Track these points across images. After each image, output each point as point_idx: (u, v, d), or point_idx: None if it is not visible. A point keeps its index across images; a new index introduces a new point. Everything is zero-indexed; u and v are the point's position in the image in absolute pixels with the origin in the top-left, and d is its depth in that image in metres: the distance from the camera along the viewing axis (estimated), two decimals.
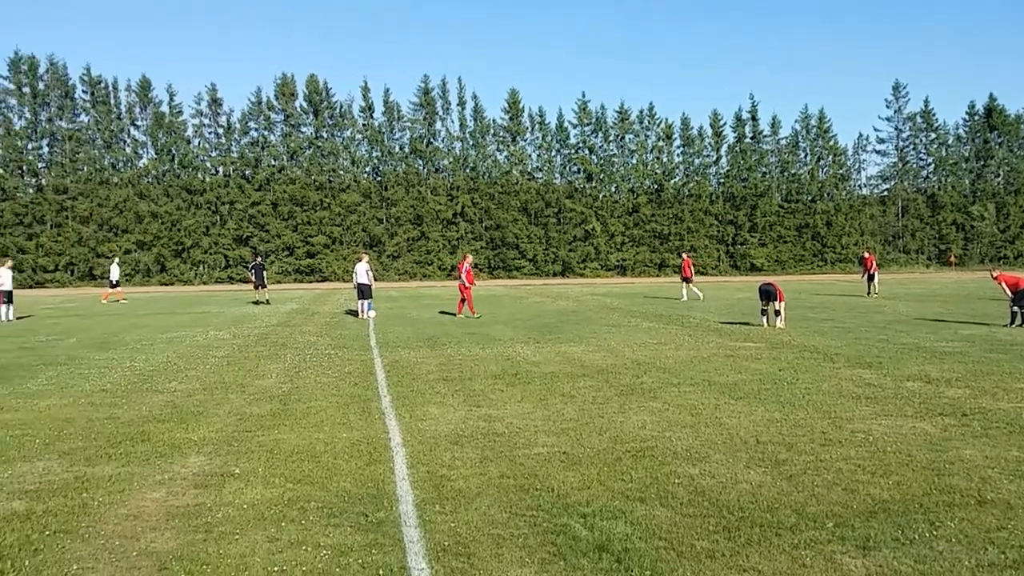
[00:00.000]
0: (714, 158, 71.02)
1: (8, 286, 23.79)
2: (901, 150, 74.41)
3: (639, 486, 5.79)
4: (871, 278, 31.28)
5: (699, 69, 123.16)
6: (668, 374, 11.16)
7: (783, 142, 71.65)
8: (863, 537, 4.74)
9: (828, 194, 71.21)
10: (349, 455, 6.81)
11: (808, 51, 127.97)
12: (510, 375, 11.24)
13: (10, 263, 25.13)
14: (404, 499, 5.55)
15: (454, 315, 22.33)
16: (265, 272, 33.01)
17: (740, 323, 18.88)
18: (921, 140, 74.15)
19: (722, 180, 70.59)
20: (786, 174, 71.08)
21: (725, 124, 70.91)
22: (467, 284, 22.12)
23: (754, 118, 70.93)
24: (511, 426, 7.87)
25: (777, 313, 17.94)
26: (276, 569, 4.37)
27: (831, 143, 71.87)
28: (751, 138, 70.96)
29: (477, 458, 6.66)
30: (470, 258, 23.74)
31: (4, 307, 23.33)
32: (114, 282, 35.75)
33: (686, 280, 29.72)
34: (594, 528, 4.92)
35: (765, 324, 17.91)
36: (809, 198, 70.68)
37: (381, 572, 4.33)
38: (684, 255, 31.77)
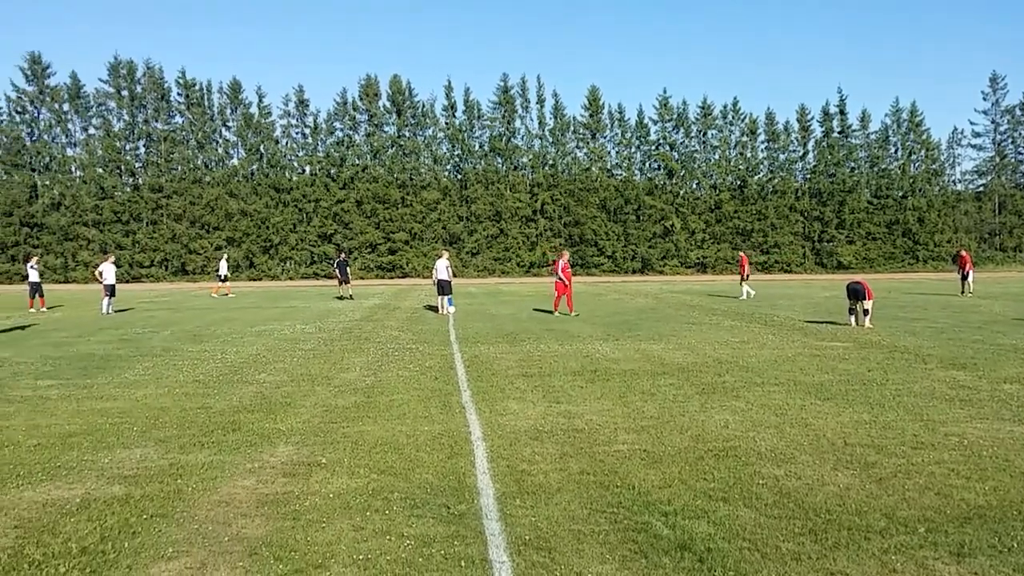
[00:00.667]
0: (800, 153, 69.22)
1: (111, 280, 24.96)
2: (999, 144, 71.11)
3: (722, 486, 5.71)
4: (965, 277, 30.36)
5: (785, 63, 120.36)
6: (751, 373, 10.95)
7: (873, 136, 69.35)
8: (957, 543, 4.57)
9: (920, 190, 68.56)
10: (431, 448, 6.91)
11: (900, 43, 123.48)
12: (589, 372, 11.21)
13: (112, 258, 26.36)
14: (485, 492, 5.61)
15: (551, 312, 22.00)
16: (349, 268, 33.75)
17: (826, 322, 18.38)
18: (1020, 133, 70.70)
19: (808, 176, 68.77)
20: (876, 169, 68.76)
21: (812, 118, 69.08)
22: (565, 281, 21.45)
23: (842, 112, 68.82)
24: (591, 423, 7.86)
25: (866, 312, 17.39)
26: (361, 557, 4.47)
27: (924, 137, 69.22)
28: (839, 132, 68.88)
29: (557, 454, 6.67)
30: (567, 255, 23.01)
31: (105, 300, 24.46)
32: (223, 277, 37.19)
33: (744, 278, 29.78)
34: (676, 527, 4.88)
35: (853, 323, 17.41)
36: (900, 194, 68.20)
37: (463, 564, 4.38)
38: (741, 253, 32.10)
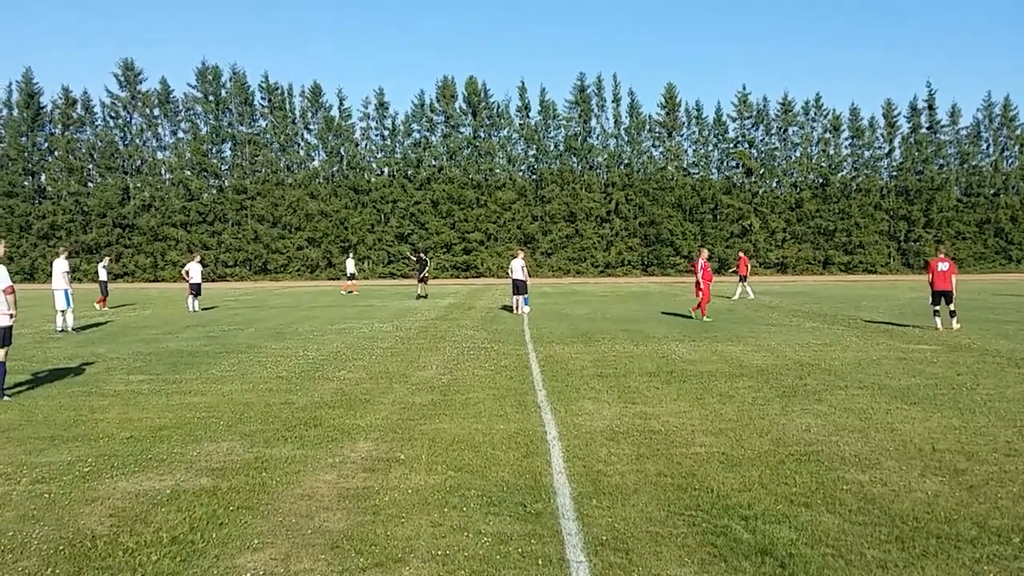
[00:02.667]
0: (886, 150, 67.10)
1: (197, 279, 25.84)
2: None
3: (804, 491, 5.58)
4: None
5: (871, 57, 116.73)
6: (834, 376, 10.67)
7: (963, 132, 66.66)
8: None
9: (1013, 187, 65.61)
10: (507, 446, 6.94)
11: (992, 35, 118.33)
12: (665, 373, 11.10)
13: (199, 258, 27.28)
14: (561, 492, 5.61)
15: (689, 316, 20.67)
16: (427, 268, 34.24)
17: (912, 325, 17.76)
18: None
19: (895, 173, 66.56)
20: (966, 166, 66.13)
21: (899, 114, 66.89)
22: (705, 282, 19.90)
23: (931, 107, 66.42)
24: (667, 424, 7.78)
25: (953, 314, 16.78)
26: (439, 553, 4.53)
27: (1017, 132, 66.19)
28: (927, 128, 66.51)
29: (633, 455, 6.63)
30: (706, 252, 21.22)
31: (191, 299, 25.33)
32: (350, 274, 39.42)
33: (742, 278, 30.28)
34: (756, 531, 4.79)
35: (939, 326, 16.76)
36: (992, 191, 65.45)
37: (540, 562, 4.39)
38: (741, 254, 32.60)
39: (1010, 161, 66.41)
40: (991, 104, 66.60)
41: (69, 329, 18.15)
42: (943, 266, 17.00)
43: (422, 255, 35.65)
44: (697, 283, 20.26)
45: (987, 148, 67.09)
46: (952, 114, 66.54)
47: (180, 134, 65.04)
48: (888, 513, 5.10)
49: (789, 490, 5.61)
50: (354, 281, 39.73)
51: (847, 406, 8.58)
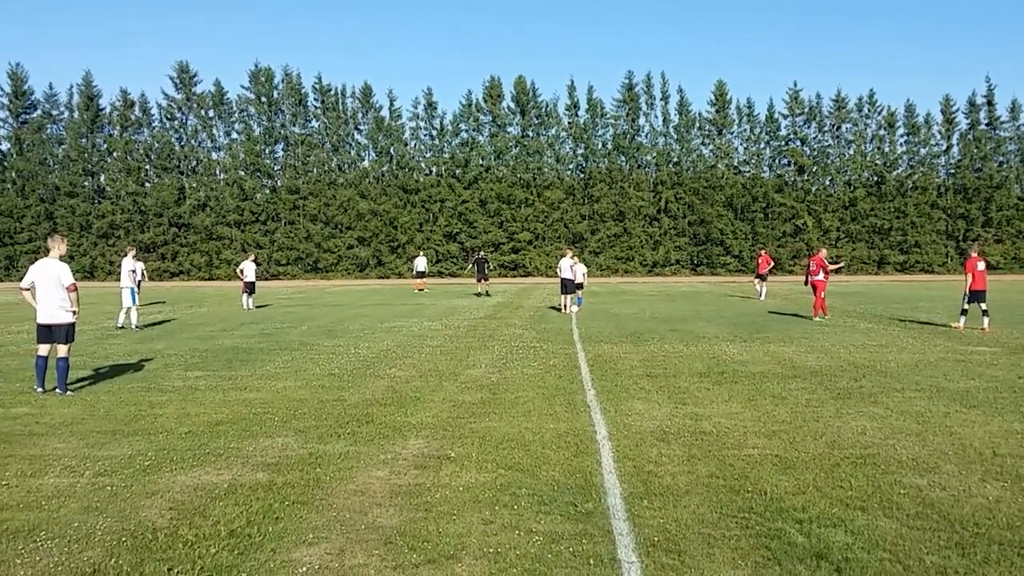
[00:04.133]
0: (944, 147, 65.45)
1: (251, 277, 26.31)
2: None
3: (860, 494, 5.49)
4: None
5: (928, 51, 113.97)
6: (890, 378, 10.46)
7: None
8: None
9: None
10: (557, 445, 6.95)
11: None
12: (716, 373, 10.99)
13: (253, 256, 27.77)
14: (612, 492, 5.60)
15: (810, 318, 20.04)
16: (487, 266, 34.69)
17: (970, 327, 17.31)
18: None
19: (952, 171, 64.90)
20: None
21: (957, 110, 65.17)
22: (822, 279, 19.94)
23: (990, 103, 64.57)
24: (719, 425, 7.71)
25: (985, 313, 16.68)
26: (491, 550, 4.56)
27: None
28: (987, 124, 64.68)
29: (684, 456, 6.59)
30: (824, 251, 21.06)
31: (246, 296, 25.80)
32: (418, 272, 40.34)
33: (761, 277, 29.85)
34: (811, 535, 4.73)
35: (984, 325, 16.55)
36: None
37: (592, 562, 4.40)
38: (762, 252, 31.79)
39: None
40: None
41: (132, 327, 18.61)
42: (982, 265, 17.02)
43: (480, 255, 36.09)
44: (818, 280, 20.02)
45: None
46: (1012, 110, 64.58)
47: (234, 135, 66.28)
48: (947, 518, 4.99)
49: (844, 493, 5.52)
50: (423, 280, 40.38)
51: (904, 409, 8.41)
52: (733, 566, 4.32)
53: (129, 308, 18.78)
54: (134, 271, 19.38)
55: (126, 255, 19.58)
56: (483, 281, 33.79)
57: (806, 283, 20.75)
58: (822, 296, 20.07)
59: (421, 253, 45.40)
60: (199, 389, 10.12)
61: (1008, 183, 63.52)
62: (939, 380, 10.24)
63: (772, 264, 31.29)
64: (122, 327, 18.62)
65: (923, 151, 65.03)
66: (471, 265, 37.78)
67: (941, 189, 64.48)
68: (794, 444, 6.95)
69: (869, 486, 5.68)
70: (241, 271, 26.66)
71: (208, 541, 4.76)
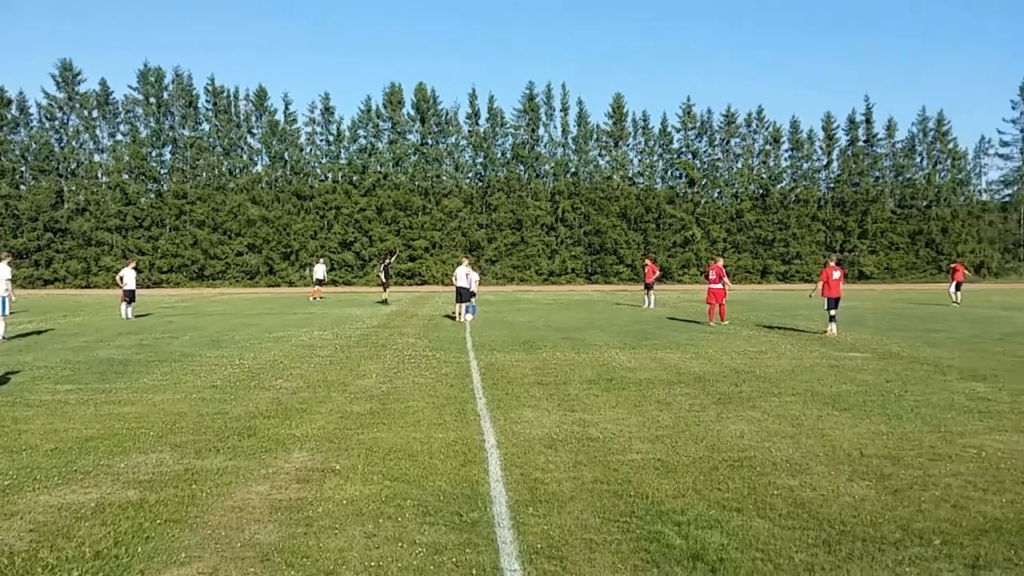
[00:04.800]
0: (824, 162, 68.79)
1: (131, 285, 25.19)
2: None
3: (736, 496, 5.67)
4: (958, 287, 31.89)
5: (811, 71, 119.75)
6: (768, 383, 10.88)
7: (899, 145, 68.73)
8: (972, 556, 4.52)
9: (945, 200, 67.76)
10: (445, 455, 6.91)
11: (928, 51, 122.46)
12: (605, 380, 11.18)
13: (134, 263, 26.60)
14: (498, 500, 5.60)
15: (707, 323, 21.27)
16: (389, 272, 34.43)
17: (846, 333, 18.21)
18: None
19: (832, 185, 68.30)
20: (901, 179, 68.15)
21: (838, 127, 68.60)
22: (721, 288, 21.49)
23: (868, 120, 68.27)
24: (605, 431, 7.83)
25: (832, 319, 18.15)
26: (373, 564, 4.48)
27: (950, 146, 68.54)
28: (864, 141, 68.36)
29: (571, 462, 6.65)
30: (722, 260, 22.99)
31: (124, 305, 24.69)
32: (317, 280, 39.26)
33: (648, 286, 30.63)
34: (689, 537, 4.85)
35: (834, 331, 17.88)
36: (925, 204, 67.51)
37: (475, 572, 4.38)
38: (648, 261, 32.65)
39: (942, 175, 68.60)
40: (925, 118, 68.82)
41: (1, 338, 17.49)
42: (837, 274, 18.52)
43: (388, 259, 35.95)
44: (716, 289, 21.58)
45: (921, 161, 69.25)
46: (888, 128, 68.49)
47: (119, 136, 63.38)
48: (816, 517, 5.21)
49: (722, 495, 5.69)
50: (320, 288, 39.32)
51: (780, 412, 8.75)
52: (613, 570, 4.38)
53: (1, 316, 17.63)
54: (9, 279, 18.13)
55: (1, 261, 18.31)
56: (386, 288, 33.79)
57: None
58: (723, 303, 21.53)
59: (320, 260, 44.03)
60: (69, 403, 9.58)
61: (883, 197, 67.26)
62: (814, 385, 10.71)
63: (658, 273, 32.05)
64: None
65: (805, 166, 68.13)
66: (379, 271, 37.07)
67: (821, 202, 67.68)
68: (676, 448, 7.12)
69: (745, 488, 5.88)
70: (121, 278, 25.50)
71: (71, 564, 4.51)
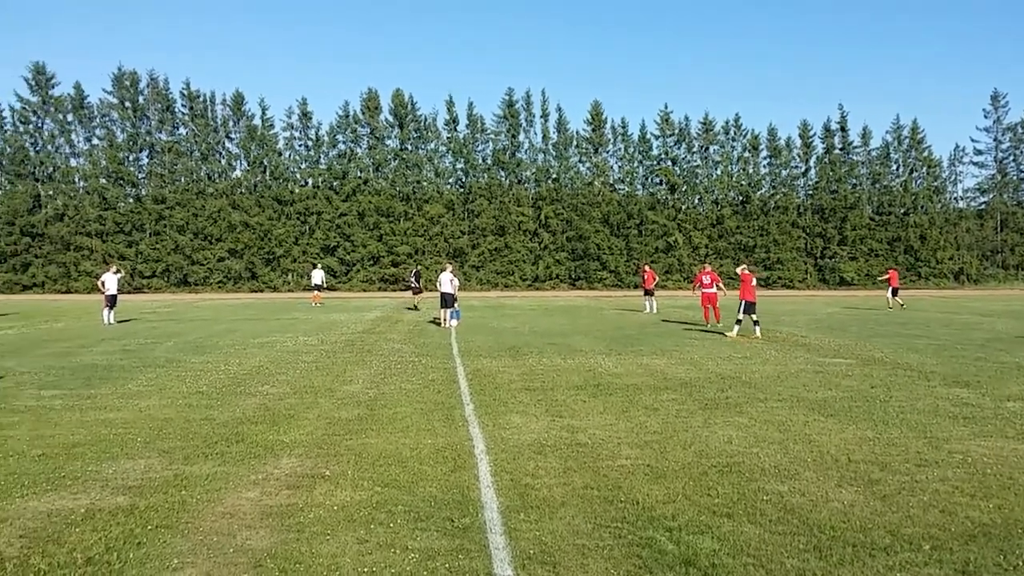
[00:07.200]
0: (802, 169, 69.48)
1: (113, 290, 24.97)
2: (1000, 162, 71.38)
3: (726, 502, 5.70)
4: (895, 292, 33.57)
5: (786, 79, 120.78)
6: (754, 389, 10.94)
7: (874, 153, 69.59)
8: (962, 561, 4.57)
9: (922, 207, 68.70)
10: (434, 461, 6.91)
11: (901, 60, 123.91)
12: (592, 386, 11.20)
13: (115, 268, 26.37)
14: (489, 506, 5.61)
15: (705, 325, 22.79)
16: (422, 280, 35.18)
17: (829, 339, 18.35)
18: (1022, 151, 70.93)
19: (811, 192, 68.95)
20: (877, 186, 68.99)
21: (814, 135, 69.39)
22: (715, 292, 22.84)
23: (843, 128, 69.12)
24: (594, 437, 7.85)
25: (756, 323, 18.95)
26: (365, 570, 4.48)
27: (925, 154, 69.50)
28: (841, 149, 69.15)
29: (560, 468, 6.67)
30: (710, 266, 24.33)
31: (107, 311, 24.47)
32: (315, 285, 39.05)
33: (648, 292, 30.83)
34: (680, 542, 4.88)
35: (733, 334, 18.82)
36: (902, 211, 68.38)
37: None
38: (646, 267, 32.92)
39: (918, 182, 69.45)
40: (900, 126, 69.77)
41: None
42: (754, 281, 19.63)
43: (418, 268, 36.75)
44: (710, 293, 22.92)
45: (897, 169, 70.10)
46: (863, 136, 69.40)
47: (95, 141, 62.88)
48: (807, 523, 5.25)
49: (712, 501, 5.72)
50: (318, 293, 39.28)
51: (767, 418, 8.81)
52: (606, 575, 4.39)
53: None
54: None
55: None
56: (418, 294, 34.21)
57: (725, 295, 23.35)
58: (716, 305, 22.98)
59: (318, 265, 44.30)
60: (54, 409, 9.49)
61: (861, 204, 68.00)
62: (799, 390, 10.78)
63: (657, 279, 32.32)
64: None
65: (784, 173, 68.76)
66: (410, 277, 37.27)
67: (800, 209, 68.30)
68: (665, 454, 7.15)
69: (734, 493, 5.91)
70: (102, 283, 25.29)
71: (63, 570, 4.49)
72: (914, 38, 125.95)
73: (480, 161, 67.12)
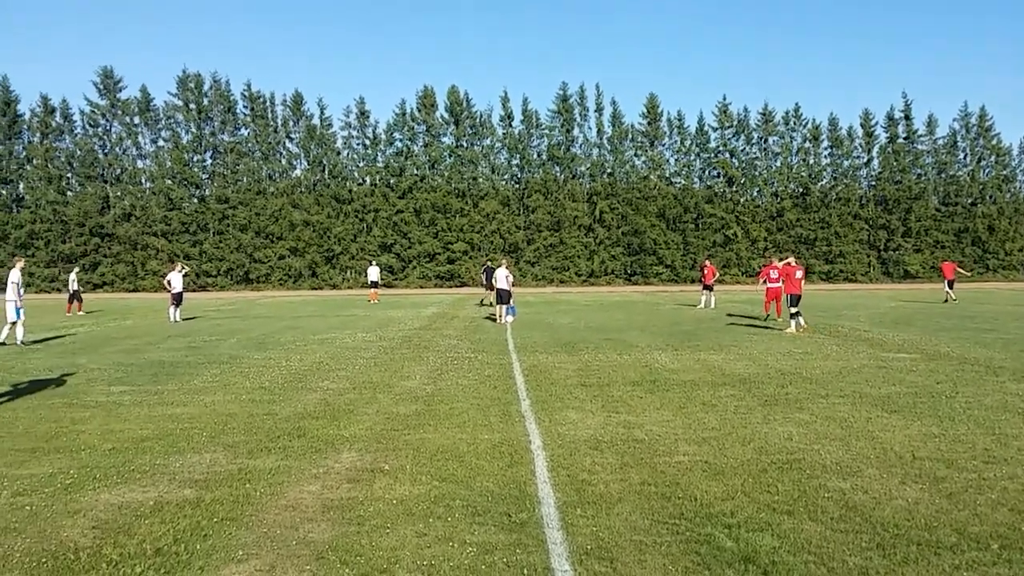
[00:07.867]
0: (865, 159, 67.71)
1: (179, 288, 25.65)
2: None
3: (786, 499, 5.63)
4: (951, 285, 32.93)
5: (849, 67, 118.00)
6: (815, 385, 10.76)
7: (940, 142, 67.45)
8: None
9: (990, 197, 66.42)
10: (491, 456, 6.96)
11: (968, 46, 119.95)
12: (648, 382, 11.15)
13: (179, 267, 27.09)
14: (546, 501, 5.63)
15: (764, 318, 23.16)
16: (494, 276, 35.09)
17: (893, 333, 17.93)
18: None
19: (873, 182, 67.24)
20: (943, 176, 66.86)
21: (877, 124, 67.54)
22: (779, 287, 22.37)
23: (907, 117, 67.12)
24: (651, 433, 7.82)
25: (795, 316, 18.78)
26: (425, 563, 4.54)
27: (994, 143, 67.05)
28: (905, 138, 67.18)
29: (617, 464, 6.66)
30: (776, 260, 23.79)
31: (173, 308, 25.15)
32: (372, 282, 40.06)
33: (708, 287, 30.22)
34: (739, 539, 4.83)
35: (793, 329, 18.52)
36: (969, 201, 66.21)
37: (526, 572, 4.41)
38: (706, 262, 32.27)
39: (987, 171, 67.20)
40: (968, 114, 67.50)
41: (18, 342, 17.56)
42: (799, 273, 19.38)
43: (489, 263, 36.80)
44: (775, 287, 22.63)
45: (964, 158, 67.92)
46: (929, 124, 67.32)
47: (161, 143, 64.57)
48: (869, 520, 5.16)
49: (771, 498, 5.65)
50: (375, 290, 39.85)
51: (828, 414, 8.66)
52: (664, 572, 4.38)
53: (14, 323, 17.62)
54: (17, 283, 18.00)
55: (13, 266, 18.18)
56: (491, 290, 34.38)
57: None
58: (779, 300, 22.60)
59: (374, 262, 44.88)
60: (123, 404, 9.82)
61: (926, 195, 66.05)
62: (861, 386, 10.57)
63: (718, 275, 32.04)
64: (3, 343, 17.54)
65: (845, 163, 67.13)
66: (482, 274, 37.69)
67: (863, 200, 66.65)
68: (723, 450, 7.09)
69: (795, 490, 5.83)
70: (168, 282, 26.01)
71: (133, 560, 4.63)
72: (980, 25, 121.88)
73: (535, 156, 67.02)
